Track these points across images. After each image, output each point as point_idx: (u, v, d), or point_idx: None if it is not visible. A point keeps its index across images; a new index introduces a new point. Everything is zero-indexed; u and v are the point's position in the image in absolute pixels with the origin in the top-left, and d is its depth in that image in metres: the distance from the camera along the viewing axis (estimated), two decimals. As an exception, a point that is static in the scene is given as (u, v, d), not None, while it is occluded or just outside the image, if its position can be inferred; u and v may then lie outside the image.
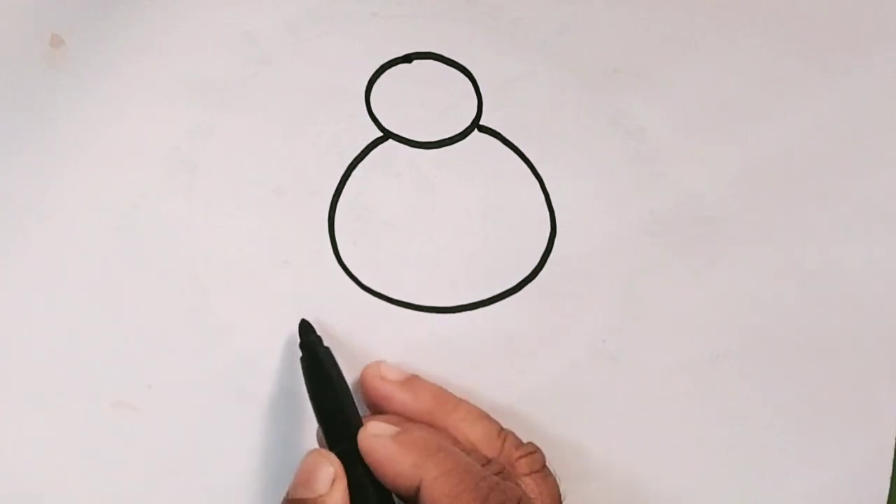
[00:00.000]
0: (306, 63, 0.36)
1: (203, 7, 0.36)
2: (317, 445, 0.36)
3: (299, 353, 0.36)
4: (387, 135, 0.37)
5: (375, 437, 0.33)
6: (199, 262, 0.37)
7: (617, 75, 0.37)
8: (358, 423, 0.34)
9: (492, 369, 0.38)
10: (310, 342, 0.36)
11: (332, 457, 0.33)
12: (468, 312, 0.38)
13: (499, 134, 0.37)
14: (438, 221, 0.38)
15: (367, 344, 0.38)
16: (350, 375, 0.37)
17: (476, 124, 0.37)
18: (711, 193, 0.37)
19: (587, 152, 0.37)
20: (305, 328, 0.36)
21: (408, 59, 0.37)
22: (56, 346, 0.37)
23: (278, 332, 0.37)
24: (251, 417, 0.38)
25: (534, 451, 0.36)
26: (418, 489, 0.32)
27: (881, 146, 0.37)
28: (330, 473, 0.33)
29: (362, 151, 0.37)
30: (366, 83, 0.37)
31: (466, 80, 0.37)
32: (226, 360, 0.37)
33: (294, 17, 0.36)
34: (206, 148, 0.37)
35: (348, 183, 0.37)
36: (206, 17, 0.36)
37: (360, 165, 0.37)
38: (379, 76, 0.37)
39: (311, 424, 0.37)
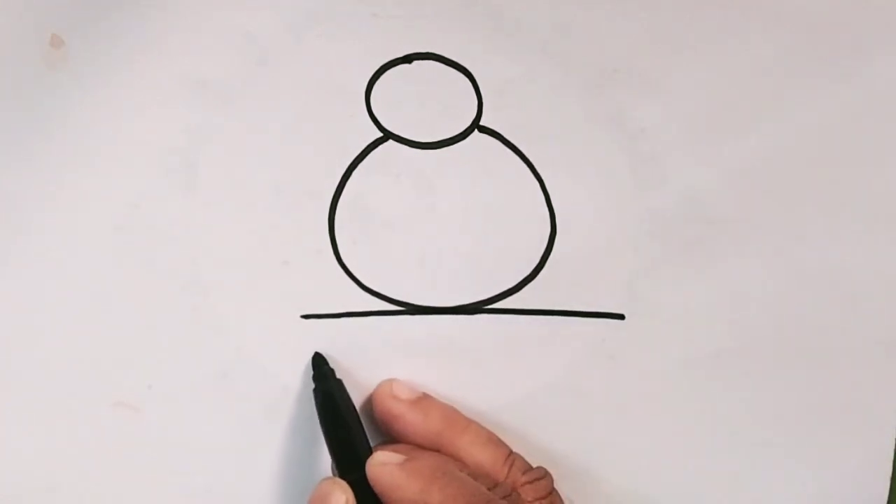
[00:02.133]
0: (306, 63, 0.36)
1: (203, 7, 0.36)
2: (328, 465, 0.37)
3: (300, 353, 0.36)
4: (387, 135, 0.37)
5: (383, 465, 0.34)
6: (199, 262, 0.37)
7: (617, 75, 0.37)
8: (368, 454, 0.35)
9: (492, 369, 0.38)
10: (322, 374, 0.37)
11: (345, 485, 0.34)
12: (468, 312, 0.38)
13: (499, 134, 0.37)
14: (438, 221, 0.38)
15: (367, 344, 0.38)
16: (351, 378, 0.37)
17: (476, 125, 0.37)
18: (711, 193, 0.37)
19: (587, 152, 0.37)
20: (318, 361, 0.37)
21: (408, 59, 0.37)
22: (56, 346, 0.37)
23: (278, 333, 0.37)
24: (251, 418, 0.38)
25: (541, 476, 0.36)
26: None
27: (881, 146, 0.37)
28: (342, 501, 0.34)
29: (362, 152, 0.37)
30: (366, 83, 0.37)
31: (466, 80, 0.37)
32: (226, 360, 0.37)
33: (294, 17, 0.36)
34: (206, 148, 0.37)
35: (348, 183, 0.37)
36: (206, 17, 0.36)
37: (360, 166, 0.37)
38: (379, 77, 0.37)
39: (309, 424, 0.37)
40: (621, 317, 0.38)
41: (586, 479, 0.39)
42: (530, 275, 0.38)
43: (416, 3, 0.36)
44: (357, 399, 0.37)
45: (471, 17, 0.36)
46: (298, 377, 0.37)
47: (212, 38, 0.36)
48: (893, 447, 0.38)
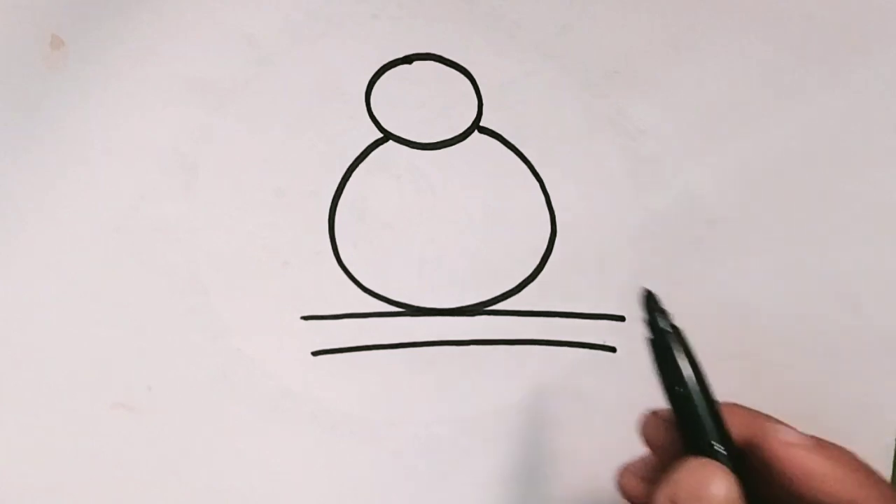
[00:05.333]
0: (306, 64, 0.36)
1: (203, 8, 0.36)
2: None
3: (300, 354, 0.36)
4: (387, 136, 0.37)
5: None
6: (200, 263, 0.37)
7: (617, 76, 0.37)
8: (721, 425, 0.31)
9: (492, 371, 0.38)
10: (656, 318, 0.31)
11: (724, 470, 0.29)
12: (469, 314, 0.38)
13: (499, 135, 0.37)
14: (439, 222, 0.38)
15: (367, 346, 0.38)
16: (351, 379, 0.37)
17: (476, 125, 0.37)
18: (711, 193, 0.37)
19: (587, 153, 0.37)
20: (650, 300, 0.31)
21: (408, 60, 0.37)
22: (56, 346, 0.37)
23: (278, 333, 0.37)
24: (251, 418, 0.38)
25: None
26: None
27: (881, 146, 0.37)
28: (722, 491, 0.28)
29: (362, 152, 0.37)
30: (366, 84, 0.37)
31: (466, 81, 0.37)
32: (226, 360, 0.37)
33: (294, 18, 0.36)
34: (206, 148, 0.37)
35: (348, 184, 0.37)
36: (206, 18, 0.36)
37: (360, 166, 0.37)
38: (379, 77, 0.37)
39: (309, 426, 0.37)
40: (622, 318, 0.38)
41: (586, 480, 0.39)
42: (530, 276, 0.38)
43: (416, 3, 0.36)
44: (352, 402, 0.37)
45: (471, 17, 0.36)
46: (298, 377, 0.37)
47: (212, 39, 0.36)
48: (893, 447, 0.38)
